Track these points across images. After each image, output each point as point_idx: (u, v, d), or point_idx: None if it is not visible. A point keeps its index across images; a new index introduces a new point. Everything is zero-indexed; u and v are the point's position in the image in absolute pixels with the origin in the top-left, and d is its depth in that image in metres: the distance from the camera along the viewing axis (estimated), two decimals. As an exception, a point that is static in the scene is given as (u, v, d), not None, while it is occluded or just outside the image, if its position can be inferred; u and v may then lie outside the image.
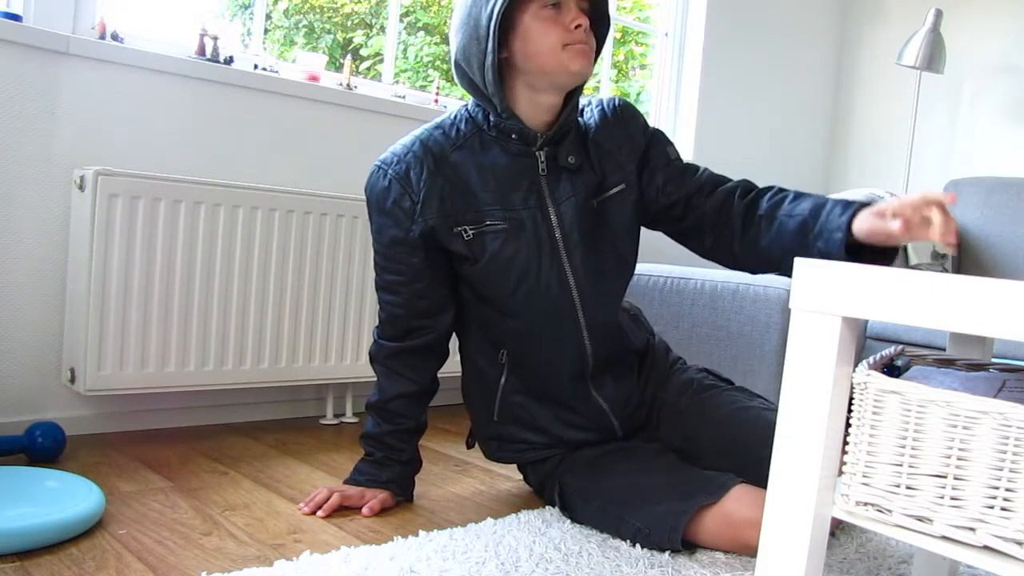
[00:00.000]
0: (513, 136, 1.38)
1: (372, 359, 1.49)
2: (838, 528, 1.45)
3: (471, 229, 1.37)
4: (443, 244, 1.39)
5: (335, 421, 2.09)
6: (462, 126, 1.41)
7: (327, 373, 2.00)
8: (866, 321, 2.26)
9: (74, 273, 1.71)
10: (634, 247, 1.50)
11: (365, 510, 1.42)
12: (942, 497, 0.75)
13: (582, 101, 1.48)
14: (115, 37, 1.83)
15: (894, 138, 3.33)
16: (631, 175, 1.45)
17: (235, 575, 1.11)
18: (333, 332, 2.00)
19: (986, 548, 0.74)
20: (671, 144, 1.51)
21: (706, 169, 1.48)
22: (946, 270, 2.71)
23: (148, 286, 1.73)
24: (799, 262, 0.84)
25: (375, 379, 1.50)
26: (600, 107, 1.48)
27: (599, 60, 1.43)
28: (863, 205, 1.24)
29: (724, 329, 2.16)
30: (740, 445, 1.41)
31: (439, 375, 1.52)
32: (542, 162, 1.39)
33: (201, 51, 1.93)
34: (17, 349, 1.71)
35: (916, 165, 3.24)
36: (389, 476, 1.47)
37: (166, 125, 1.86)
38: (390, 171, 1.38)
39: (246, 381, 1.88)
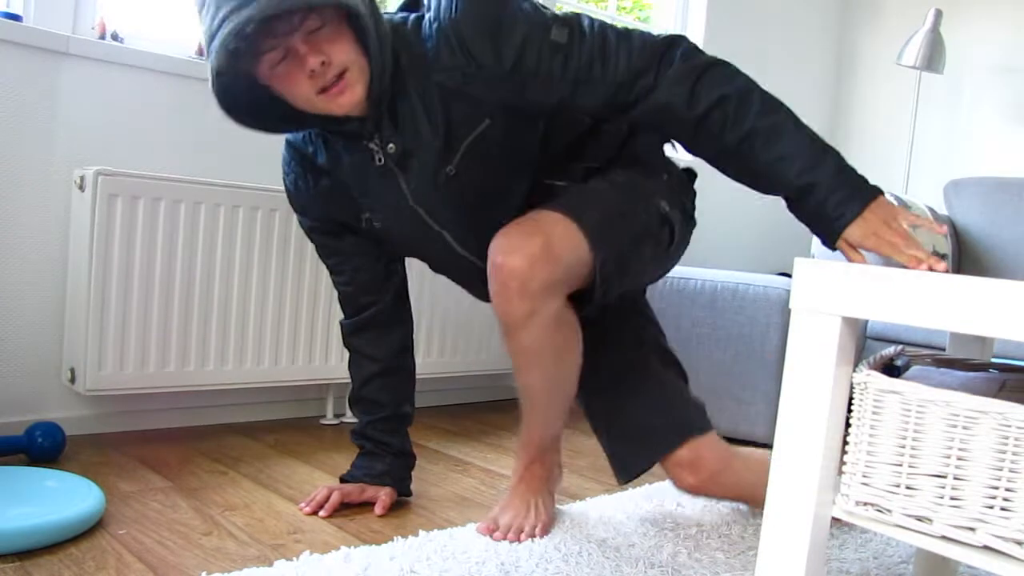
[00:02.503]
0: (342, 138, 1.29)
1: (344, 343, 1.54)
2: (838, 529, 1.45)
3: (360, 218, 1.39)
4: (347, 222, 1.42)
5: (335, 421, 2.09)
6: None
7: (327, 373, 2.00)
8: (866, 321, 2.26)
9: (74, 273, 1.71)
10: (534, 141, 1.29)
11: (377, 508, 1.42)
12: (942, 497, 0.75)
13: (424, 27, 1.19)
14: (115, 37, 1.83)
15: (894, 138, 3.33)
16: (492, 105, 1.21)
17: (235, 575, 1.12)
18: (333, 332, 2.00)
19: (986, 548, 0.74)
20: (557, 23, 1.16)
21: (617, 43, 1.18)
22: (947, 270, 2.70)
23: (148, 286, 1.73)
24: (799, 262, 0.84)
25: None
26: (438, 33, 1.17)
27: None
28: (864, 200, 1.09)
29: (724, 329, 2.16)
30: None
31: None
32: (378, 154, 1.26)
33: (201, 51, 1.93)
34: (17, 349, 1.71)
35: (916, 165, 3.24)
36: (383, 468, 1.48)
37: (166, 125, 1.86)
38: (286, 179, 1.44)
39: (246, 381, 1.88)
